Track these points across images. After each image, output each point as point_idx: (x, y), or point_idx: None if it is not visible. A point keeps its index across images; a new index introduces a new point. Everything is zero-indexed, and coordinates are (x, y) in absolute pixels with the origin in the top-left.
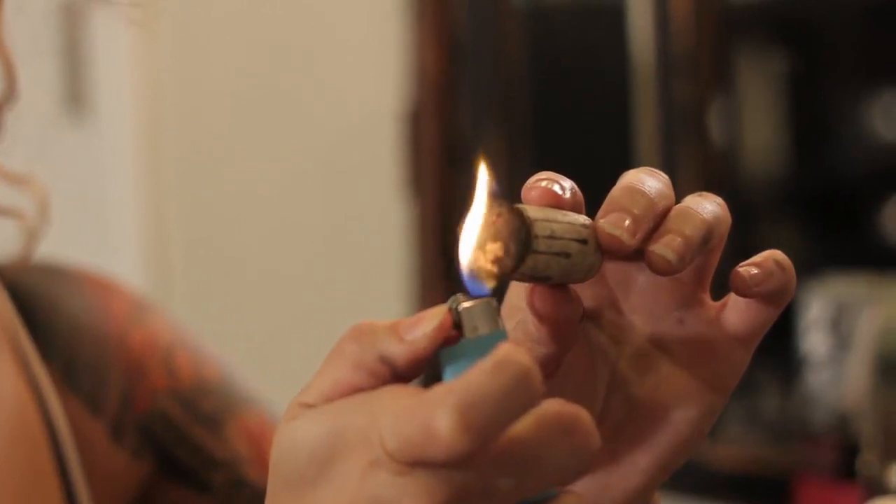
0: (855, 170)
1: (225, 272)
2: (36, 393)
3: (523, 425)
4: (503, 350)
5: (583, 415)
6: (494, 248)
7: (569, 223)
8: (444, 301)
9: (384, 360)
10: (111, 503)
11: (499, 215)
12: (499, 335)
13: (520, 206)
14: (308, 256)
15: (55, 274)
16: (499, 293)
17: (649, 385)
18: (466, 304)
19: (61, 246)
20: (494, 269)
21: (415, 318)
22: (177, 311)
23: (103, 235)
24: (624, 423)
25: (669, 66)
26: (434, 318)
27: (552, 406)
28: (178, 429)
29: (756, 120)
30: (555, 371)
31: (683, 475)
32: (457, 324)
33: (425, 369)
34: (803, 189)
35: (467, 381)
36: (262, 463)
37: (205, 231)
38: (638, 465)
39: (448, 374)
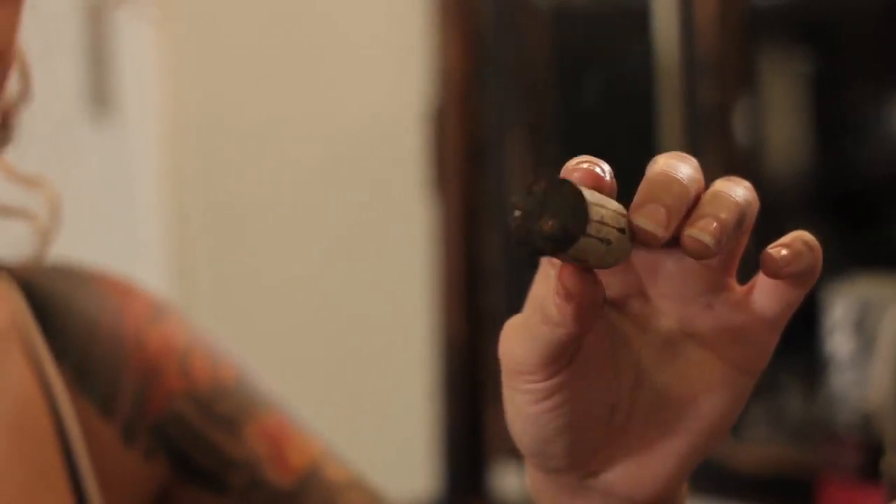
0: (879, 170)
1: (248, 271)
2: (47, 393)
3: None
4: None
5: None
6: (548, 225)
7: (614, 210)
8: (469, 305)
9: None
10: None
11: (559, 192)
12: None
13: (579, 186)
14: (332, 257)
15: (71, 275)
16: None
17: (678, 371)
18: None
19: (85, 245)
20: (546, 245)
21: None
22: (199, 310)
23: (127, 234)
24: (655, 410)
25: (694, 67)
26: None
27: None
28: (193, 430)
29: (780, 120)
30: (575, 354)
31: (707, 476)
32: None
33: None
34: (827, 189)
35: None
36: (281, 463)
37: (228, 231)
38: (671, 451)
39: None
